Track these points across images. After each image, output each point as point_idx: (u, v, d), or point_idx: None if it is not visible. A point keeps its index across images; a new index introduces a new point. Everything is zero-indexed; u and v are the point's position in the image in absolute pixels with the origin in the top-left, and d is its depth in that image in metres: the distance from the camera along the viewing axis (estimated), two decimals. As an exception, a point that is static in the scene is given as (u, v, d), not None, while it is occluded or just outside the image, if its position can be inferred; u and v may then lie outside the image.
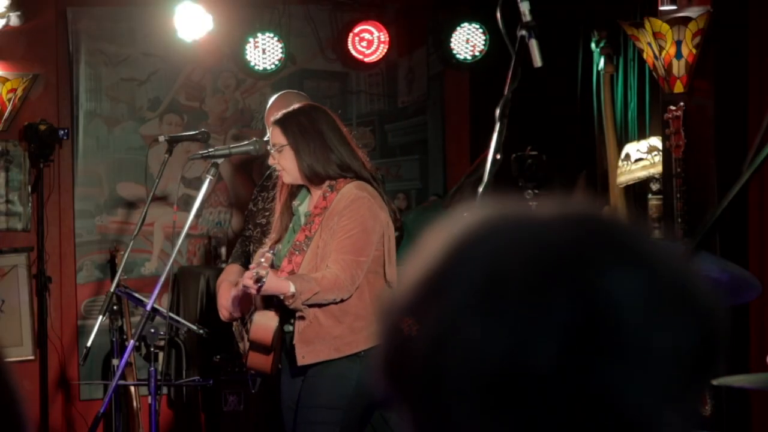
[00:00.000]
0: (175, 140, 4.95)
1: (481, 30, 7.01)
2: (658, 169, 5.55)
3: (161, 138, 4.92)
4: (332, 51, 7.12)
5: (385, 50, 7.00)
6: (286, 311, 4.10)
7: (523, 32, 2.90)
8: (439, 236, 0.97)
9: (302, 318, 4.07)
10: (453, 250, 0.94)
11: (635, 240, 0.95)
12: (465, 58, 7.04)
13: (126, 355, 4.54)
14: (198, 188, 4.58)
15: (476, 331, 0.89)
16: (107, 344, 6.29)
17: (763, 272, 4.92)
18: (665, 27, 5.24)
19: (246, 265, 4.37)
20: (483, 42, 7.01)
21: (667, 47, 5.25)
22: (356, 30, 6.95)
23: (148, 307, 4.39)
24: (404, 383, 0.94)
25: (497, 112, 2.77)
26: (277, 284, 3.93)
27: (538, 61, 2.92)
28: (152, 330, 4.54)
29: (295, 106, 4.30)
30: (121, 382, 4.94)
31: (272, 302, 4.10)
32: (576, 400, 0.88)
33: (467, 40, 7.03)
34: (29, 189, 6.61)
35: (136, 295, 4.95)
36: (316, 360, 4.08)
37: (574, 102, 6.56)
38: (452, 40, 7.01)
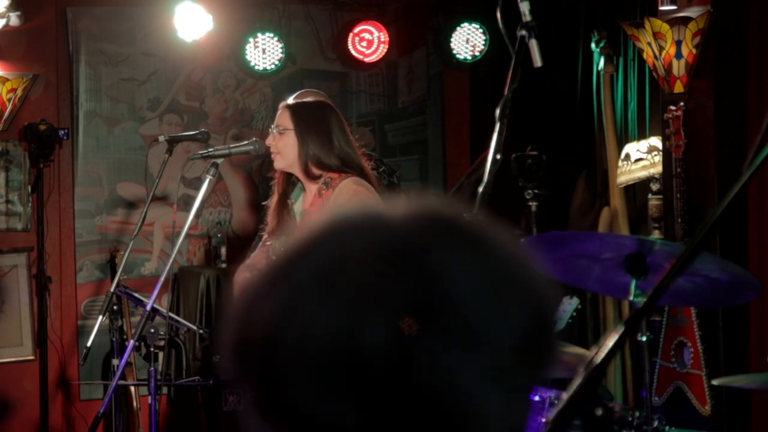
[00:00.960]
0: (175, 140, 4.95)
1: (481, 30, 7.01)
2: (658, 169, 5.55)
3: (161, 138, 4.92)
4: (332, 51, 7.12)
5: (385, 50, 7.00)
6: None
7: (523, 32, 2.90)
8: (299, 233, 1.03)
9: None
10: (305, 237, 1.00)
11: (472, 231, 1.00)
12: (465, 58, 7.04)
13: (126, 355, 4.54)
14: (198, 188, 4.58)
15: (313, 310, 0.94)
16: (107, 344, 6.29)
17: (763, 272, 4.92)
18: (665, 27, 5.24)
19: None
20: (483, 42, 7.02)
21: (667, 47, 5.25)
22: (356, 30, 6.95)
23: (148, 307, 4.38)
24: (247, 362, 0.98)
25: (497, 112, 2.77)
26: None
27: (538, 61, 2.92)
28: (152, 330, 4.54)
29: (311, 98, 4.29)
30: (121, 382, 4.94)
31: None
32: (404, 382, 0.93)
33: (467, 40, 7.03)
34: (29, 189, 6.61)
35: (136, 295, 4.95)
36: None
37: (574, 102, 6.56)
38: (452, 40, 7.01)
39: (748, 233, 5.09)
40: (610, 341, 1.22)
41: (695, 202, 4.99)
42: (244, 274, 4.22)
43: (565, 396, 1.18)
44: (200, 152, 4.50)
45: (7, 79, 6.52)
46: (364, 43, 6.97)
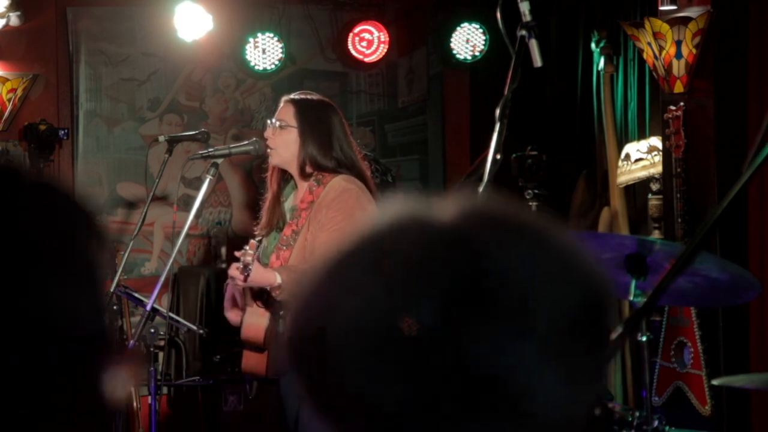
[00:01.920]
0: (175, 140, 4.94)
1: (481, 30, 7.01)
2: (658, 169, 5.55)
3: (161, 138, 4.92)
4: (332, 51, 7.12)
5: (385, 50, 7.00)
6: (276, 308, 4.08)
7: (523, 32, 2.90)
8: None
9: None
10: (353, 237, 1.02)
11: (526, 224, 1.01)
12: (465, 58, 7.04)
13: (126, 355, 4.53)
14: (198, 188, 4.57)
15: (361, 295, 0.97)
16: (107, 344, 6.29)
17: (763, 272, 4.92)
18: (665, 27, 5.24)
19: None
20: (483, 42, 7.02)
21: (667, 47, 5.25)
22: (356, 30, 6.96)
23: (148, 307, 4.38)
24: (300, 355, 1.00)
25: (497, 112, 2.77)
26: (263, 275, 3.91)
27: (538, 61, 2.92)
28: (152, 330, 4.54)
29: (314, 96, 4.28)
30: (121, 382, 4.92)
31: (262, 298, 4.08)
32: (452, 361, 0.94)
33: (467, 40, 7.03)
34: (29, 189, 6.60)
35: (136, 295, 4.95)
36: None
37: (574, 102, 6.56)
38: (452, 40, 7.01)
39: (748, 233, 5.09)
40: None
41: (695, 202, 4.99)
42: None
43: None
44: (200, 152, 4.49)
45: (7, 79, 6.52)
46: (364, 43, 6.98)
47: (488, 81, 6.94)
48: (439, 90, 7.39)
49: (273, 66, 6.79)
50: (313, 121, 4.13)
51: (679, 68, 5.24)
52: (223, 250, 6.70)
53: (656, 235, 5.57)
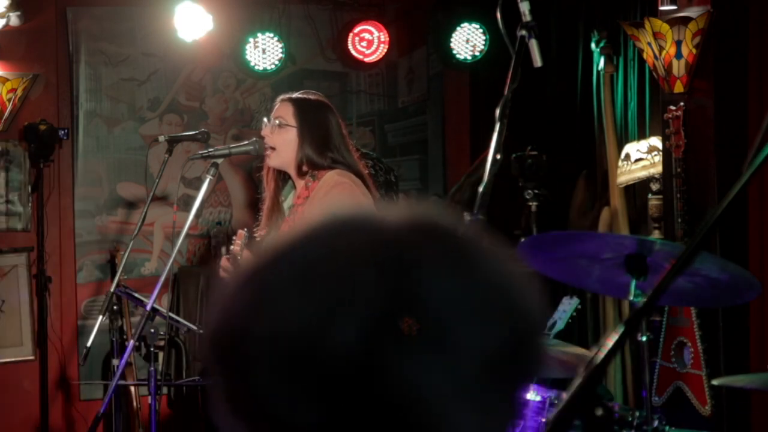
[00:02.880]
0: (175, 140, 4.94)
1: (481, 30, 7.01)
2: (658, 169, 5.55)
3: (161, 138, 4.92)
4: (332, 51, 7.12)
5: (385, 50, 7.00)
6: None
7: (523, 32, 2.90)
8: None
9: None
10: (291, 235, 1.01)
11: (463, 244, 0.99)
12: (465, 58, 7.04)
13: (126, 355, 4.54)
14: (198, 188, 4.57)
15: (286, 304, 0.95)
16: (107, 344, 6.29)
17: (763, 272, 4.92)
18: (665, 27, 5.24)
19: None
20: (483, 42, 7.01)
21: (667, 47, 5.25)
22: (356, 30, 6.95)
23: (148, 307, 4.38)
24: (218, 353, 0.99)
25: (497, 112, 2.77)
26: None
27: (538, 61, 2.92)
28: (152, 330, 4.54)
29: (313, 96, 4.28)
30: (121, 382, 4.93)
31: None
32: (371, 383, 0.92)
33: (467, 40, 7.03)
34: (29, 189, 6.61)
35: (136, 295, 4.95)
36: None
37: (574, 102, 6.56)
38: (452, 40, 7.01)
39: (748, 233, 5.09)
40: (610, 341, 1.22)
41: (695, 202, 4.99)
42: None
43: (565, 396, 1.18)
44: (200, 152, 4.49)
45: (7, 79, 6.52)
46: (364, 43, 6.98)
47: (488, 81, 6.93)
48: (439, 90, 7.39)
49: (273, 66, 6.79)
50: (312, 121, 4.12)
51: (679, 68, 5.24)
52: (223, 250, 6.69)
53: (656, 235, 5.56)
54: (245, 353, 0.95)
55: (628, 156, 5.80)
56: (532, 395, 3.62)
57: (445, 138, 7.40)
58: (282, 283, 0.96)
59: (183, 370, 6.36)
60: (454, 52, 7.03)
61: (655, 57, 5.30)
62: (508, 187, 6.02)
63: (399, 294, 0.94)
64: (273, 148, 4.11)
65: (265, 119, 4.18)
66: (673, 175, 5.05)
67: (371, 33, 6.98)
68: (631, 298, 3.14)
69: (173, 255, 4.38)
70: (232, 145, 4.52)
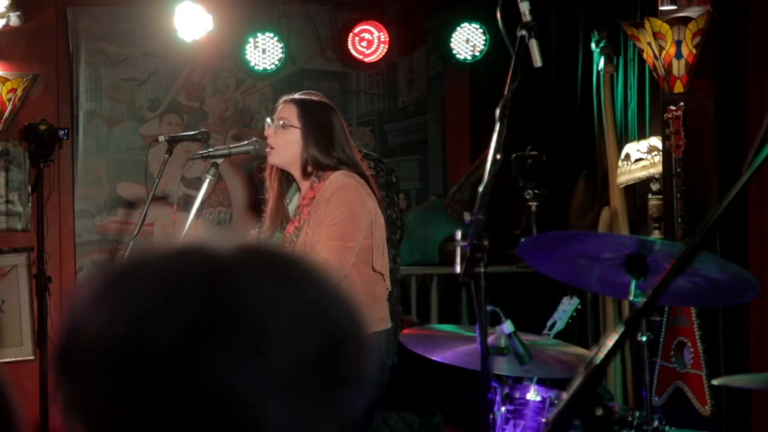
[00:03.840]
0: (175, 140, 4.94)
1: (481, 30, 7.01)
2: (658, 169, 5.55)
3: (161, 138, 4.91)
4: (332, 51, 7.12)
5: (385, 50, 7.00)
6: None
7: (523, 32, 2.90)
8: None
9: None
10: (133, 254, 1.09)
11: (286, 260, 1.08)
12: (465, 58, 7.04)
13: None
14: (198, 188, 4.57)
15: (109, 310, 1.02)
16: (107, 344, 6.30)
17: (763, 272, 4.92)
18: (665, 27, 5.24)
19: None
20: (483, 42, 7.01)
21: (667, 47, 5.25)
22: (356, 30, 6.95)
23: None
24: (59, 355, 1.09)
25: (497, 112, 2.77)
26: None
27: (538, 61, 2.92)
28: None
29: (315, 97, 4.29)
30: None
31: None
32: (186, 381, 0.98)
33: (467, 40, 7.03)
34: (29, 189, 6.61)
35: (136, 295, 4.94)
36: None
37: (574, 102, 6.57)
38: (452, 40, 7.01)
39: (748, 233, 5.09)
40: (610, 341, 1.22)
41: (695, 202, 4.99)
42: None
43: (565, 396, 1.18)
44: (200, 152, 4.49)
45: (7, 79, 6.53)
46: (364, 43, 6.98)
47: (488, 81, 6.94)
48: (439, 90, 7.39)
49: (273, 66, 6.79)
50: (316, 122, 4.13)
51: (679, 68, 5.24)
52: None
53: (656, 235, 5.56)
54: (73, 359, 1.05)
55: (628, 156, 5.80)
56: (533, 395, 3.62)
57: (445, 138, 7.40)
58: (111, 288, 1.04)
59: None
60: (454, 52, 7.03)
61: (655, 57, 5.30)
62: (508, 187, 6.02)
63: (215, 294, 1.01)
64: (274, 148, 4.11)
65: (268, 120, 4.19)
66: (673, 175, 5.05)
67: (371, 33, 6.98)
68: (631, 298, 3.13)
69: (173, 255, 4.38)
70: (232, 145, 4.52)
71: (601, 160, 6.31)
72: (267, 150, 4.13)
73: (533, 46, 2.90)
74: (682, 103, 5.08)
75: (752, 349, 5.08)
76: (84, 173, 6.75)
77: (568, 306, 4.14)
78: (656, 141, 5.65)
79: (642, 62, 5.77)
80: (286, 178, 4.23)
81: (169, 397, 0.99)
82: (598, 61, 6.19)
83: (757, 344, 5.07)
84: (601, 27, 6.17)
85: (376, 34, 6.97)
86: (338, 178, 4.06)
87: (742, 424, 5.01)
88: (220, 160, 4.38)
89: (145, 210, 4.88)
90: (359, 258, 4.07)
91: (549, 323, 4.10)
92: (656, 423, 3.21)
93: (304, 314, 1.04)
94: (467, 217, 2.64)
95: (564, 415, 1.14)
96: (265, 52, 6.76)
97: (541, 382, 3.68)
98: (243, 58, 6.76)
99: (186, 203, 6.27)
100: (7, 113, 6.53)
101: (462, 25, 7.00)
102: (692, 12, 5.22)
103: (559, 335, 4.07)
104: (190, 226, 4.47)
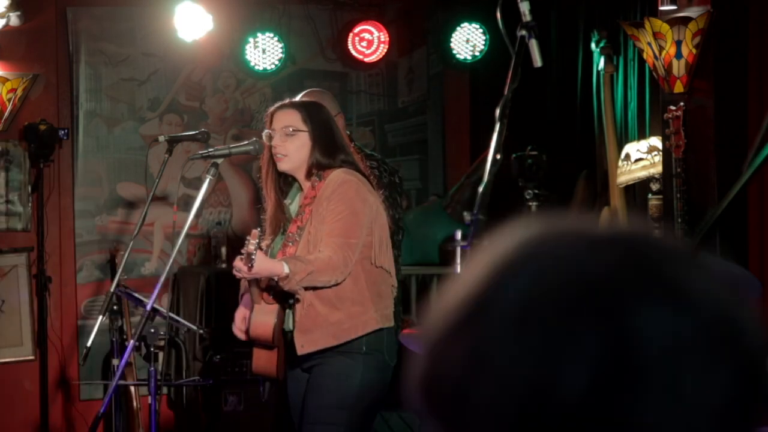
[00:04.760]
0: (175, 140, 4.95)
1: (481, 30, 7.01)
2: (658, 169, 5.55)
3: (161, 138, 4.92)
4: (332, 51, 7.12)
5: (385, 50, 7.00)
6: (283, 304, 4.09)
7: (523, 32, 2.90)
8: (482, 257, 0.93)
9: (298, 303, 4.04)
10: (492, 273, 0.91)
11: (677, 268, 0.89)
12: (465, 58, 7.04)
13: (126, 355, 4.54)
14: (198, 188, 4.57)
15: (507, 357, 0.87)
16: (107, 344, 6.29)
17: (763, 272, 4.92)
18: (665, 27, 5.24)
19: None
20: (483, 42, 7.02)
21: (667, 47, 5.25)
22: (356, 30, 6.96)
23: (148, 307, 4.38)
24: (438, 403, 0.91)
25: (497, 112, 2.78)
26: (270, 265, 3.91)
27: (538, 61, 2.93)
28: (152, 330, 4.54)
29: (309, 99, 4.29)
30: (121, 382, 4.94)
31: (269, 294, 4.09)
32: None
33: (467, 40, 7.03)
34: (29, 189, 6.61)
35: (136, 295, 4.95)
36: (315, 348, 4.06)
37: (574, 102, 6.56)
38: (452, 40, 7.01)
39: (748, 233, 5.09)
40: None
41: (695, 202, 4.99)
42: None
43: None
44: (200, 152, 4.49)
45: (7, 79, 6.52)
46: (364, 43, 6.98)
47: (488, 81, 6.93)
48: (439, 90, 7.39)
49: (273, 66, 6.79)
50: (320, 123, 4.15)
51: (679, 68, 5.24)
52: (223, 250, 6.70)
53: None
54: (468, 410, 0.88)
55: (628, 156, 5.80)
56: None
57: (445, 138, 7.40)
58: (494, 333, 0.88)
59: (183, 370, 6.36)
60: (454, 52, 7.03)
61: (655, 57, 5.30)
62: (508, 187, 6.02)
63: (612, 336, 0.85)
64: (285, 155, 4.12)
65: (267, 131, 4.16)
66: (673, 175, 5.04)
67: (371, 33, 6.98)
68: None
69: (173, 255, 4.38)
70: (232, 145, 4.52)
71: (601, 160, 6.31)
72: (277, 158, 4.13)
73: (533, 46, 2.90)
74: (682, 103, 5.08)
75: (752, 349, 5.07)
76: (84, 173, 6.75)
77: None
78: (656, 141, 5.65)
79: (642, 62, 5.76)
80: (284, 182, 4.23)
81: None
82: (598, 61, 6.19)
83: (757, 344, 5.06)
84: (601, 27, 6.17)
85: (376, 34, 6.97)
86: (339, 175, 4.08)
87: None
88: (220, 160, 4.38)
89: (145, 210, 4.88)
90: (363, 255, 4.08)
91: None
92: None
93: (716, 353, 0.86)
94: (467, 217, 2.64)
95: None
96: (265, 52, 6.76)
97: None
98: (243, 58, 6.76)
99: (186, 203, 6.28)
100: (7, 113, 6.53)
101: (462, 25, 7.00)
102: (692, 12, 5.21)
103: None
104: (189, 225, 4.48)
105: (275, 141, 4.13)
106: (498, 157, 2.72)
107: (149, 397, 4.73)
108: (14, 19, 6.41)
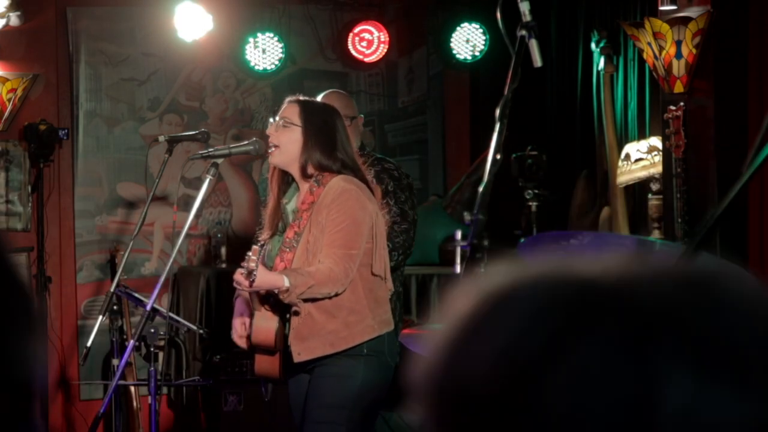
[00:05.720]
0: (175, 140, 4.95)
1: (481, 30, 7.01)
2: (658, 169, 5.55)
3: (161, 138, 4.92)
4: (332, 51, 7.12)
5: (385, 50, 7.00)
6: (283, 311, 4.08)
7: (523, 32, 2.90)
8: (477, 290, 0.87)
9: (296, 315, 4.04)
10: (502, 289, 0.85)
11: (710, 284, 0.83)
12: (465, 58, 7.04)
13: (126, 355, 4.54)
14: (198, 188, 4.57)
15: (539, 378, 0.80)
16: (107, 344, 6.29)
17: (764, 272, 4.92)
18: (665, 27, 5.24)
19: None
20: (483, 42, 7.02)
21: (667, 47, 5.25)
22: (356, 30, 6.96)
23: (148, 307, 4.38)
24: (459, 415, 0.84)
25: (497, 112, 2.77)
26: (271, 278, 3.91)
27: (538, 61, 2.92)
28: (152, 330, 4.54)
29: (320, 101, 4.29)
30: (121, 382, 4.94)
31: (269, 302, 4.08)
32: None
33: (467, 40, 7.03)
34: (29, 189, 6.61)
35: (136, 295, 4.95)
36: (311, 356, 4.05)
37: (574, 102, 6.57)
38: (452, 40, 7.01)
39: (748, 233, 5.09)
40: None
41: (695, 202, 4.99)
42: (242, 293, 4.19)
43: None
44: (200, 152, 4.50)
45: (7, 79, 6.52)
46: (364, 43, 6.98)
47: (488, 81, 6.94)
48: (439, 90, 7.39)
49: (273, 66, 6.79)
50: (317, 122, 4.13)
51: (679, 68, 5.24)
52: (223, 250, 6.70)
53: (656, 235, 5.56)
54: (509, 427, 0.80)
55: (628, 156, 5.80)
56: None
57: (445, 138, 7.40)
58: (526, 354, 0.81)
59: (183, 370, 6.36)
60: (454, 52, 7.03)
61: (655, 57, 5.30)
62: (508, 187, 6.01)
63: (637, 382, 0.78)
64: (276, 146, 4.11)
65: (271, 119, 4.19)
66: (673, 175, 5.04)
67: (371, 33, 6.98)
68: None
69: (173, 255, 4.39)
70: (232, 145, 4.52)
71: (601, 160, 6.31)
72: (269, 149, 4.13)
73: (533, 46, 2.90)
74: (682, 103, 5.08)
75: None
76: (84, 173, 6.75)
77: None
78: (656, 141, 5.65)
79: (642, 62, 5.77)
80: (285, 181, 4.23)
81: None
82: (598, 61, 6.19)
83: (757, 344, 5.06)
84: (601, 27, 6.17)
85: (376, 34, 6.98)
86: (338, 183, 4.05)
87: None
88: (220, 160, 4.38)
89: (145, 210, 4.88)
90: (362, 262, 4.07)
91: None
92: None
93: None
94: (467, 217, 2.64)
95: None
96: (265, 52, 6.76)
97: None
98: (243, 58, 6.76)
99: (186, 203, 6.27)
100: (7, 113, 6.53)
101: (462, 25, 7.00)
102: (692, 12, 5.22)
103: None
104: (189, 225, 4.47)
105: (269, 130, 4.13)
106: (498, 157, 2.71)
107: (149, 397, 4.74)
108: (14, 19, 6.41)
